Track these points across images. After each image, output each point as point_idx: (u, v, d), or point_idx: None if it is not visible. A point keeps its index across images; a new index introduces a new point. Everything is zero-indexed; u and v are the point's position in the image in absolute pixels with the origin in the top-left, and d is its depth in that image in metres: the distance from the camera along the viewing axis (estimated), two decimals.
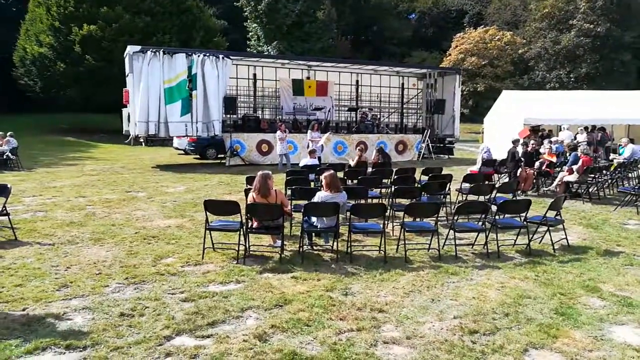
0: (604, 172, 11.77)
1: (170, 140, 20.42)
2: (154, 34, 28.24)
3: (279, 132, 14.83)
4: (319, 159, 13.86)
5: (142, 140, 16.90)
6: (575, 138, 16.89)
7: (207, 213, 6.15)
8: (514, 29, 46.21)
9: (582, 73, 39.40)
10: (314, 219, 6.44)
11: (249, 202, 6.23)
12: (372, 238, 6.97)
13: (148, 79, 14.81)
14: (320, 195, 6.48)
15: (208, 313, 4.50)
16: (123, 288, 5.14)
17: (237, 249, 6.08)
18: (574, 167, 10.70)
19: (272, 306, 4.70)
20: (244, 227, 6.11)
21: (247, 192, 6.88)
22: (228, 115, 17.21)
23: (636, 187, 10.21)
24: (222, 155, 17.27)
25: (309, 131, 14.73)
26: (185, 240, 7.00)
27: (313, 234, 6.76)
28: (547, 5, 41.97)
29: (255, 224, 6.27)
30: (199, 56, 15.46)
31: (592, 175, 11.19)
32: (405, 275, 5.65)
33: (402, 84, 22.00)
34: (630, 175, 13.05)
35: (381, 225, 6.40)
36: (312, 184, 9.11)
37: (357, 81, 21.55)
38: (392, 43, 54.83)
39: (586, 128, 18.41)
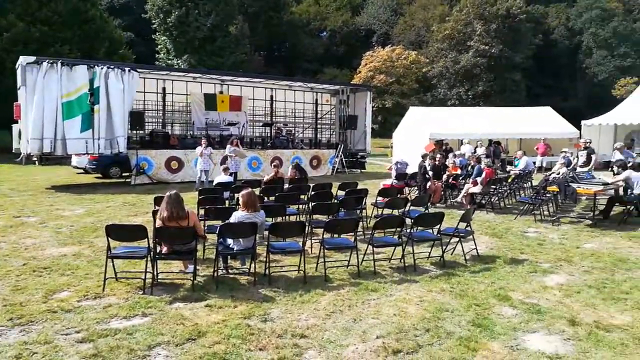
0: (503, 183, 12.60)
1: (69, 159, 18.81)
2: (52, 44, 26.23)
3: (199, 147, 14.09)
4: (235, 175, 13.47)
5: (35, 158, 15.35)
6: (475, 151, 18.01)
7: (109, 239, 5.57)
8: (418, 48, 49.01)
9: (479, 91, 42.63)
10: (229, 240, 6.10)
11: (157, 226, 5.75)
12: (291, 257, 6.76)
13: (43, 93, 13.51)
14: (237, 215, 6.16)
15: (109, 355, 3.99)
16: (6, 331, 4.44)
17: (143, 277, 5.55)
18: (478, 179, 11.32)
19: (183, 341, 4.29)
20: (152, 253, 5.61)
21: (155, 213, 6.36)
22: (134, 131, 16.23)
23: (532, 197, 10.99)
24: (127, 174, 16.22)
25: (227, 146, 14.20)
26: (83, 270, 6.30)
27: (229, 256, 6.40)
28: (447, 27, 45.10)
29: (164, 249, 5.79)
30: (102, 68, 14.42)
31: (494, 187, 11.92)
32: (326, 295, 5.50)
33: (316, 99, 22.26)
34: (525, 185, 14.10)
35: (300, 244, 6.22)
36: (227, 202, 8.73)
37: (272, 96, 21.44)
38: (305, 59, 55.76)
39: (490, 141, 19.75)
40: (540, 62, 47.52)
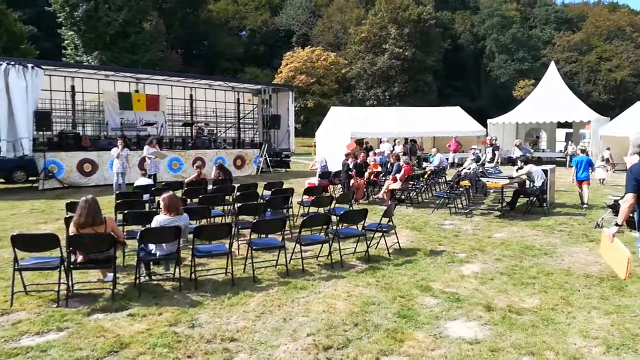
0: (421, 179, 13.21)
1: None
2: None
3: (114, 148, 13.25)
4: (154, 177, 12.92)
5: None
6: (393, 149, 18.72)
7: (16, 249, 5.11)
8: (337, 50, 49.91)
9: (395, 91, 44.32)
10: (151, 246, 5.83)
11: (71, 233, 5.37)
12: (217, 260, 6.61)
13: None
14: (159, 220, 5.91)
15: None
16: None
17: (57, 289, 5.16)
18: (398, 176, 11.78)
19: (104, 354, 4.05)
20: (66, 263, 5.23)
21: (67, 220, 5.92)
22: (41, 132, 15.01)
23: (447, 191, 11.63)
24: (34, 178, 14.97)
25: (146, 147, 13.50)
26: None
27: (151, 262, 6.13)
28: (364, 30, 46.37)
29: (80, 258, 5.42)
30: (1, 65, 13.19)
31: (412, 183, 12.46)
32: (255, 296, 5.45)
33: (238, 99, 21.94)
34: (440, 180, 14.87)
35: (227, 246, 6.11)
36: (147, 206, 8.35)
37: (191, 95, 20.82)
38: (224, 58, 54.71)
39: (405, 139, 20.57)
40: (449, 65, 50.45)
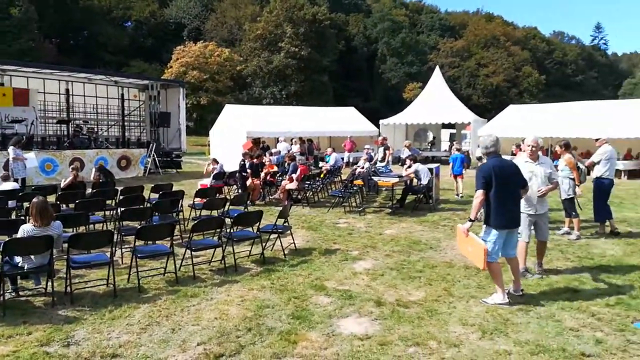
0: (317, 178, 13.40)
1: None
2: None
3: None
4: (23, 181, 11.60)
5: None
6: (290, 149, 18.81)
7: None
8: (231, 46, 49.02)
9: (291, 90, 44.64)
10: (18, 258, 5.18)
11: None
12: (97, 271, 6.07)
13: None
14: (26, 229, 5.26)
15: None
16: None
17: None
18: (294, 176, 11.81)
19: None
20: None
21: None
22: None
23: (342, 190, 11.92)
24: None
25: (10, 148, 11.98)
26: None
27: (18, 276, 5.44)
28: (259, 27, 46.06)
29: None
30: None
31: (308, 182, 12.58)
32: (140, 307, 5.08)
33: (122, 94, 20.46)
34: (336, 179, 15.22)
35: (108, 255, 5.62)
36: (14, 213, 7.44)
37: (68, 90, 18.96)
38: (107, 51, 50.97)
39: (300, 139, 20.75)
40: (344, 66, 52.05)
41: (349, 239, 8.24)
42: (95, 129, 19.09)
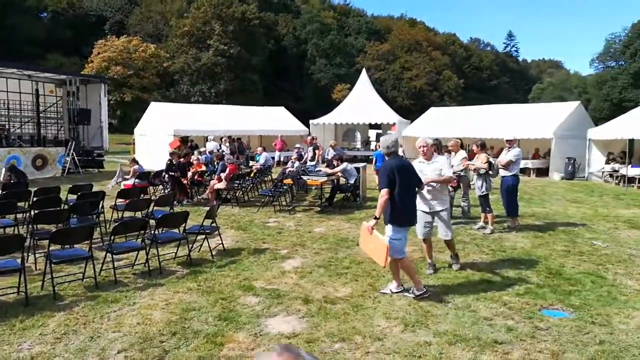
0: (247, 177, 13.28)
1: None
2: None
3: None
4: None
5: None
6: (220, 148, 18.49)
7: None
8: (157, 42, 47.27)
9: (221, 89, 43.82)
10: None
11: None
12: (7, 278, 5.64)
13: None
14: None
15: None
16: None
17: None
18: (223, 175, 11.63)
19: None
20: None
21: None
22: None
23: (272, 190, 11.90)
24: None
25: None
26: None
27: None
28: (186, 23, 44.77)
29: None
30: None
31: (238, 182, 12.44)
32: (56, 315, 4.80)
33: (37, 90, 19.10)
34: (266, 179, 15.17)
35: (19, 261, 5.25)
36: None
37: None
38: (20, 42, 47.23)
39: (229, 138, 20.43)
40: (274, 65, 51.91)
41: (279, 238, 8.26)
42: (7, 126, 17.70)
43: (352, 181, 11.34)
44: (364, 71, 30.54)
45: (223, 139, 19.68)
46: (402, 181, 5.17)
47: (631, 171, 15.92)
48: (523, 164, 17.44)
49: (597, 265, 6.63)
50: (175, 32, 46.24)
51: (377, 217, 5.22)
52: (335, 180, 11.78)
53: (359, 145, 30.43)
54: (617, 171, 16.94)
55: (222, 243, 7.46)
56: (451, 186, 9.16)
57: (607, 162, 17.77)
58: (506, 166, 8.86)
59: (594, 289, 5.67)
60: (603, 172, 17.81)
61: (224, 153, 14.30)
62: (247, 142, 23.78)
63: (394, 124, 25.26)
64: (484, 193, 8.78)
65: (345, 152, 16.76)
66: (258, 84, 47.70)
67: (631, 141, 16.57)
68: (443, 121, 23.50)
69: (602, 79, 51.00)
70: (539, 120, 19.33)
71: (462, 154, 9.32)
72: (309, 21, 58.64)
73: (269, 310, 5.03)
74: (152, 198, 9.12)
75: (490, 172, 8.87)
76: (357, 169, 11.76)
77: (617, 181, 16.81)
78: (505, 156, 8.92)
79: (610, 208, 11.65)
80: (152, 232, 6.68)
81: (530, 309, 5.05)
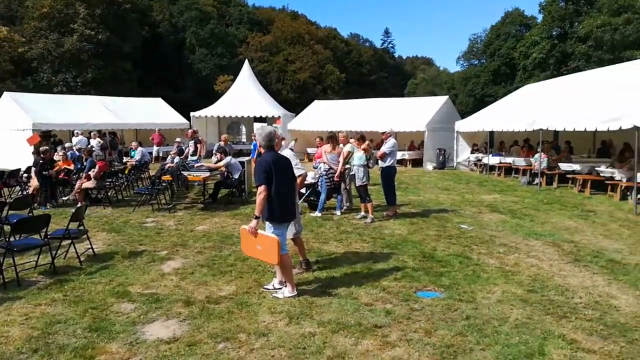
0: (120, 175, 12.36)
1: None
2: None
3: None
4: None
5: None
6: (89, 143, 16.98)
7: None
8: (10, 24, 41.86)
9: (88, 78, 40.10)
10: None
11: None
12: None
13: None
14: None
15: None
16: None
17: None
18: (91, 173, 10.68)
19: None
20: None
21: None
22: None
23: (149, 187, 11.22)
24: None
25: None
26: None
27: None
28: (45, 5, 40.13)
29: None
30: None
31: (110, 180, 11.52)
32: None
33: None
34: (143, 176, 14.27)
35: None
36: None
37: None
38: None
39: (99, 132, 18.87)
40: (149, 53, 48.78)
41: (157, 239, 7.80)
42: None
43: (236, 176, 11.11)
44: (246, 62, 30.10)
45: (92, 134, 18.10)
46: (279, 176, 5.04)
47: (492, 160, 17.78)
48: (400, 155, 18.66)
49: (464, 247, 7.27)
50: (32, 13, 41.18)
51: (258, 215, 4.99)
52: (224, 174, 11.30)
53: (244, 139, 30.02)
54: (481, 160, 18.82)
55: (91, 248, 6.83)
56: (336, 179, 9.43)
57: (472, 152, 19.65)
58: (382, 157, 9.33)
59: (462, 269, 6.21)
60: (469, 162, 19.67)
61: (93, 149, 13.13)
62: (121, 136, 22.18)
63: (279, 117, 25.33)
64: (364, 183, 9.15)
65: (232, 147, 16.17)
66: (132, 73, 44.53)
67: (491, 133, 18.51)
68: (326, 114, 24.11)
69: (467, 76, 56.09)
70: (414, 113, 20.71)
71: (349, 146, 9.57)
72: (187, 8, 56.12)
73: (146, 316, 4.71)
74: (7, 201, 8.05)
75: (369, 164, 9.27)
76: (242, 162, 11.55)
77: (480, 169, 18.67)
78: (381, 148, 9.38)
79: (475, 194, 12.88)
80: (7, 239, 5.88)
81: (407, 292, 5.35)
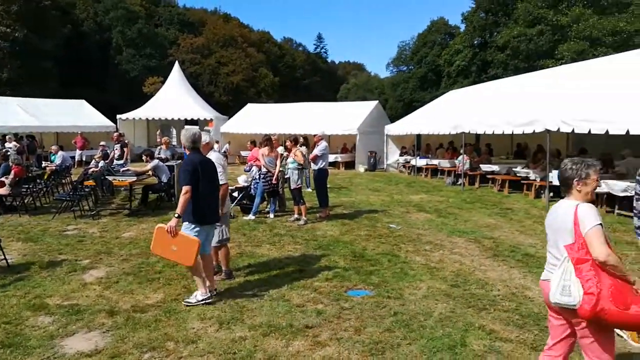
0: (38, 180, 11.60)
1: None
2: None
3: None
4: None
5: None
6: (3, 147, 15.79)
7: None
8: None
9: (4, 78, 37.36)
10: None
11: None
12: None
13: None
14: None
15: None
16: None
17: None
18: (7, 181, 9.95)
19: None
20: None
21: None
22: None
23: (70, 193, 10.61)
24: None
25: None
26: None
27: None
28: None
29: None
30: None
31: (27, 186, 10.78)
32: None
33: None
34: (64, 181, 13.48)
35: None
36: None
37: None
38: None
39: (15, 135, 17.62)
40: (72, 53, 46.16)
41: (79, 247, 7.39)
42: None
43: (164, 179, 10.78)
44: (176, 64, 29.31)
45: (7, 137, 16.85)
46: (204, 177, 5.00)
47: (419, 162, 18.51)
48: (333, 157, 18.96)
49: (393, 246, 7.51)
50: None
51: (180, 214, 4.85)
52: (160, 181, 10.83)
53: (174, 142, 29.14)
54: (409, 162, 19.53)
55: (5, 259, 6.36)
56: (274, 181, 9.42)
57: (401, 155, 20.35)
58: (314, 160, 9.44)
59: (390, 267, 6.41)
60: (398, 164, 20.35)
61: (8, 153, 12.23)
62: (40, 139, 20.83)
63: (211, 120, 24.88)
64: (299, 186, 9.21)
65: (175, 150, 15.53)
66: (53, 73, 41.88)
67: (418, 136, 19.27)
68: (260, 117, 24.00)
69: (396, 81, 57.90)
70: (346, 117, 21.13)
71: (280, 149, 9.60)
72: (113, 7, 53.65)
73: (65, 329, 4.45)
74: None
75: (304, 167, 9.35)
76: (171, 166, 11.23)
77: (408, 171, 19.37)
78: (313, 151, 9.50)
79: (403, 195, 13.34)
80: None
81: (338, 292, 5.44)
